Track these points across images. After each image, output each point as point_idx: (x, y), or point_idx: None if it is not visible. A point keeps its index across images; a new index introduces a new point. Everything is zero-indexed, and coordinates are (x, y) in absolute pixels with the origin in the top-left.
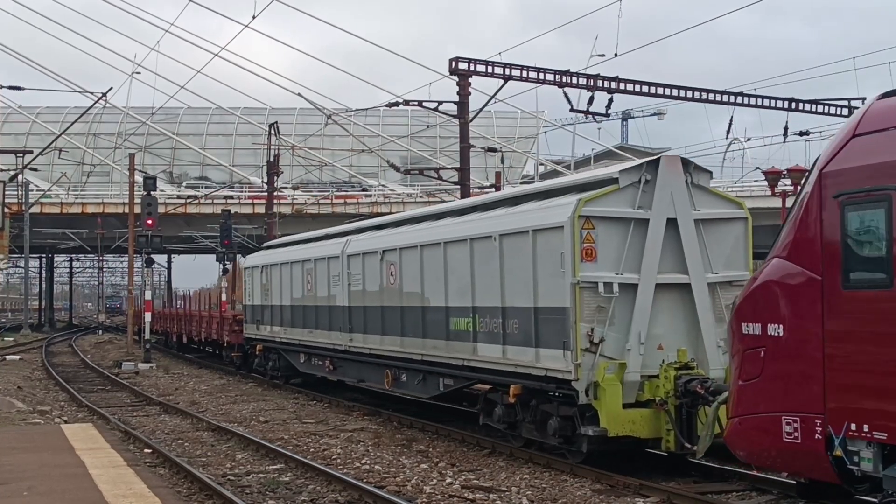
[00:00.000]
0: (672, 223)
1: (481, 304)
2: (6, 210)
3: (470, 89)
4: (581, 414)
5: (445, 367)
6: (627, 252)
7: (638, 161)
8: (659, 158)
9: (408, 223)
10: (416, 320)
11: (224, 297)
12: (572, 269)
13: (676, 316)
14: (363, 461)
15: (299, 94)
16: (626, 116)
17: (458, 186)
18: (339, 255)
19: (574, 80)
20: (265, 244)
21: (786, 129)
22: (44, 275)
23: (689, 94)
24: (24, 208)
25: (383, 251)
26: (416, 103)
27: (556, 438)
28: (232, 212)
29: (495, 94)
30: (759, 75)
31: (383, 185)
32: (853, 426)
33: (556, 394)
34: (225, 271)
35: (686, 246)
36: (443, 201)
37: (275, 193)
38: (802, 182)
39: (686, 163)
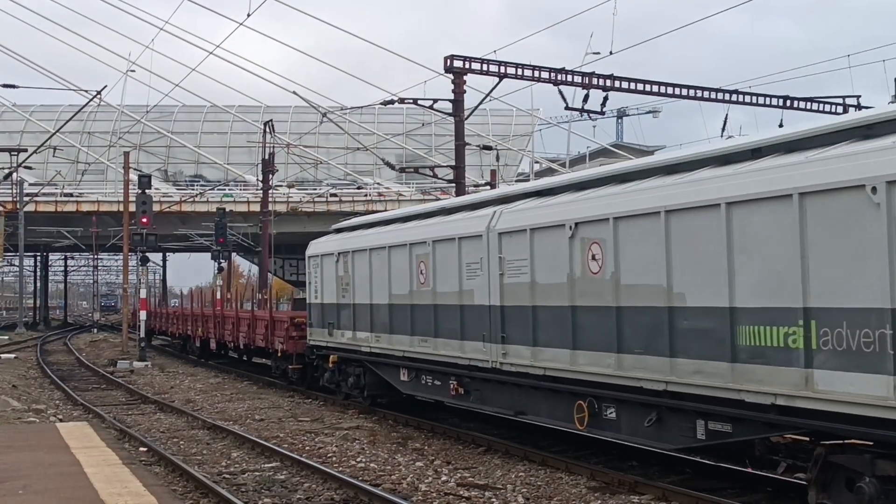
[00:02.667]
0: None
1: (829, 304)
2: (0, 208)
3: (465, 87)
4: None
5: (719, 405)
6: None
7: None
8: None
9: (619, 179)
10: (651, 327)
11: (224, 297)
12: None
13: None
14: (358, 459)
15: (294, 93)
16: (621, 114)
17: (454, 184)
18: (483, 233)
19: (569, 77)
20: (339, 225)
21: (780, 126)
22: (38, 273)
23: (685, 92)
24: (18, 206)
25: (576, 224)
26: (411, 101)
27: None
28: (227, 210)
29: (490, 91)
30: (750, 74)
31: (378, 183)
32: None
33: None
34: (220, 269)
35: None
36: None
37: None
38: None
39: None
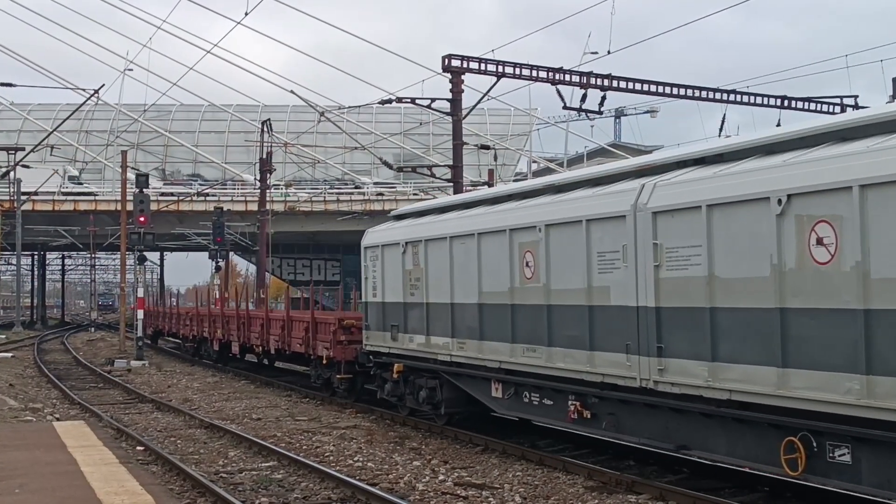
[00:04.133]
0: None
1: None
2: None
3: (463, 86)
4: None
5: None
6: None
7: None
8: None
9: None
10: None
11: (219, 295)
12: None
13: None
14: (356, 458)
15: (292, 92)
16: (619, 114)
17: (451, 184)
18: (627, 213)
19: (567, 77)
20: (402, 210)
21: (778, 125)
22: (36, 272)
23: (683, 91)
24: (15, 205)
25: (788, 197)
26: (408, 100)
27: None
28: (224, 209)
29: (488, 91)
30: (745, 75)
31: (376, 183)
32: None
33: None
34: (217, 269)
35: None
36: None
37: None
38: None
39: None
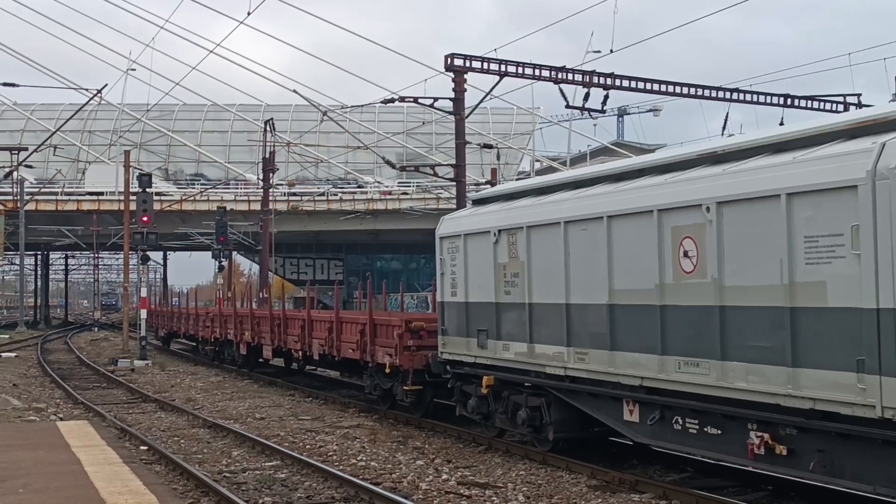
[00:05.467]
0: None
1: None
2: (1, 207)
3: (465, 86)
4: None
5: None
6: None
7: None
8: None
9: None
10: None
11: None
12: None
13: None
14: (359, 458)
15: (294, 91)
16: (621, 113)
17: (454, 183)
18: (861, 181)
19: (570, 76)
20: (485, 194)
21: (781, 124)
22: (39, 272)
23: (685, 90)
24: (19, 205)
25: None
26: (411, 100)
27: None
28: (227, 208)
29: (491, 90)
30: (745, 74)
31: (379, 182)
32: None
33: None
34: (221, 268)
35: None
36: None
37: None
38: None
39: None
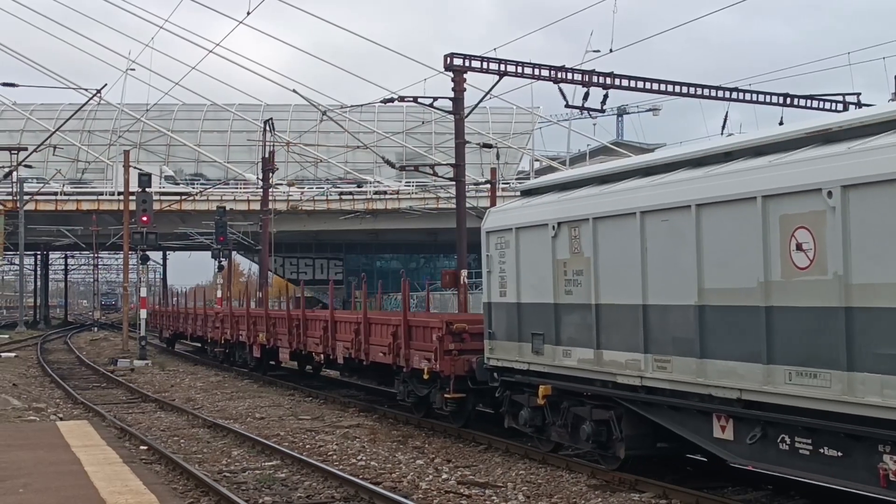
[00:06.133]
0: None
1: None
2: (1, 207)
3: (465, 85)
4: None
5: None
6: None
7: None
8: None
9: None
10: None
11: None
12: None
13: None
14: (359, 457)
15: (294, 91)
16: (621, 112)
17: (454, 183)
18: None
19: (569, 75)
20: (538, 182)
21: (781, 124)
22: (39, 272)
23: (685, 89)
24: (18, 205)
25: None
26: (411, 99)
27: None
28: (227, 208)
29: (491, 89)
30: (744, 74)
31: (378, 182)
32: None
33: None
34: (220, 268)
35: None
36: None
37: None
38: None
39: None
